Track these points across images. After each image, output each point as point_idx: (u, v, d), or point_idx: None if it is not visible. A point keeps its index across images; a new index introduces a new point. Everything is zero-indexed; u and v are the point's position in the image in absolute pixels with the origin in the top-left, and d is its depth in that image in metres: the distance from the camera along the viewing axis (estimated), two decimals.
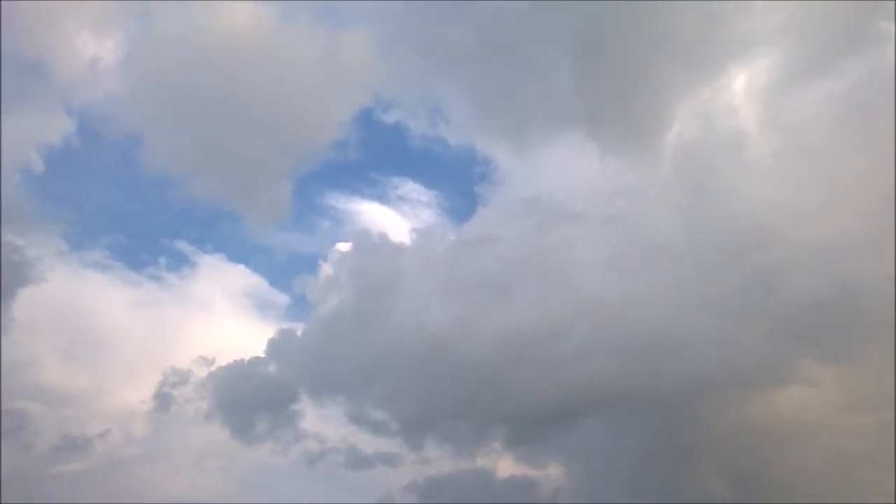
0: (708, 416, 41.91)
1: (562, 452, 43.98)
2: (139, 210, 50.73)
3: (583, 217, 44.97)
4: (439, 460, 43.00)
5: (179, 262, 48.33)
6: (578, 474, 43.68)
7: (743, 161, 43.98)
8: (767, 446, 42.32)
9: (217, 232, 52.53)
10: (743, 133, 44.22)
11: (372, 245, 46.68)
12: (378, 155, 54.62)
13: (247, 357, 42.69)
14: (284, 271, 52.71)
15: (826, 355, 41.77)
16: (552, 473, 44.22)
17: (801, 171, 43.59)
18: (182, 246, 49.23)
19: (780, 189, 43.12)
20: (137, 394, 41.51)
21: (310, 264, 55.06)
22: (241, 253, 53.55)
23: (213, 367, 42.44)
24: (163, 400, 41.18)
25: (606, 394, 41.51)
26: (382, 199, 54.37)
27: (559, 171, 48.28)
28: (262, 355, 42.70)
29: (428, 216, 53.98)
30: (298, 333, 44.62)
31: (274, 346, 43.06)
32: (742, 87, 45.13)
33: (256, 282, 49.84)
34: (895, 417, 37.37)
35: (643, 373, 40.79)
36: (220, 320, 48.22)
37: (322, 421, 42.74)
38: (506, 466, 44.91)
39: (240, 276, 50.11)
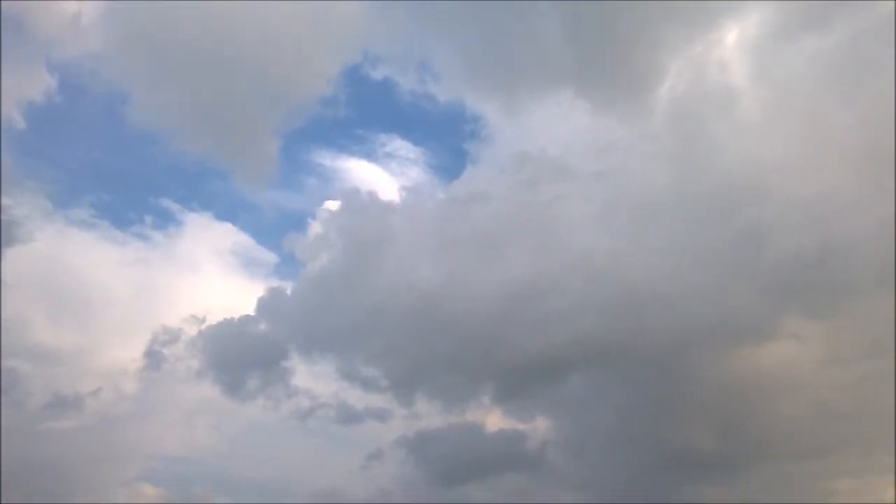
0: (694, 370, 42.57)
1: (550, 406, 44.62)
2: (124, 168, 50.15)
3: (573, 173, 44.85)
4: (429, 415, 43.54)
5: (165, 221, 47.95)
6: (566, 427, 44.45)
7: (733, 116, 43.84)
8: (752, 399, 43.14)
9: (203, 190, 52.04)
10: (734, 88, 43.98)
11: (361, 203, 46.45)
12: (366, 111, 54.03)
13: (236, 315, 42.70)
14: (272, 230, 52.47)
15: (811, 310, 42.35)
16: (540, 427, 44.97)
17: (790, 126, 43.57)
18: (168, 204, 48.79)
19: (769, 145, 43.12)
20: (128, 352, 41.56)
21: (298, 223, 54.85)
22: (228, 211, 53.19)
23: (204, 326, 42.46)
24: (153, 358, 41.24)
25: (595, 349, 41.97)
26: (370, 156, 53.93)
27: (550, 127, 47.94)
28: (252, 314, 42.72)
29: (416, 173, 53.63)
30: (288, 292, 44.62)
31: (263, 305, 43.08)
32: (733, 41, 44.73)
33: (244, 240, 49.62)
34: None
35: (631, 328, 41.25)
36: (209, 279, 48.07)
37: (313, 378, 43.06)
38: (494, 420, 45.58)
39: (227, 235, 49.84)
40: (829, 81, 43.90)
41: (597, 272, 41.81)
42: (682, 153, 43.72)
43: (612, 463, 43.18)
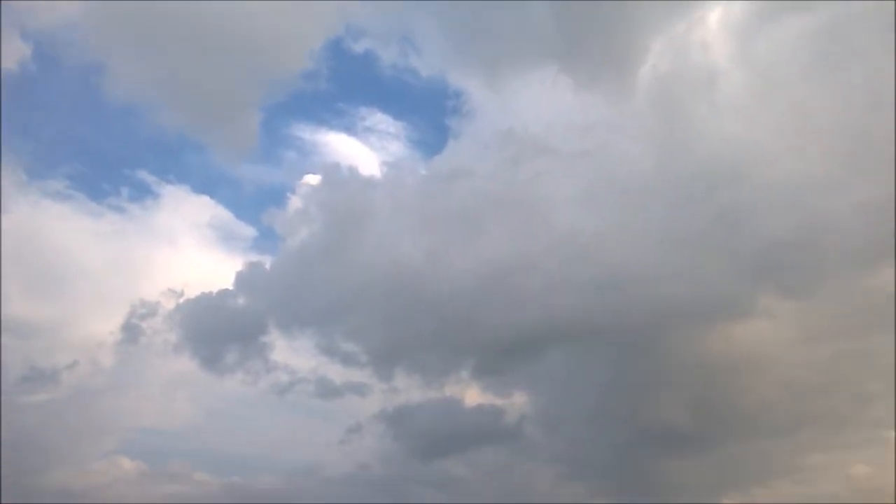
0: (671, 347, 43.22)
1: (528, 382, 45.09)
2: (100, 139, 49.31)
3: (556, 151, 44.80)
4: (408, 390, 43.81)
5: (142, 193, 47.36)
6: (543, 403, 45.01)
7: (714, 98, 43.94)
8: (727, 377, 43.96)
9: (180, 162, 51.38)
10: (715, 69, 44.00)
11: (342, 178, 46.14)
12: (347, 85, 53.46)
13: (215, 290, 42.45)
14: (250, 203, 52.05)
15: (786, 290, 43.05)
16: (518, 402, 45.48)
17: (770, 108, 43.81)
18: (144, 176, 48.15)
19: (749, 127, 43.36)
20: (105, 325, 41.21)
21: (277, 197, 54.47)
22: (206, 184, 52.57)
23: (182, 300, 42.16)
24: (131, 331, 40.96)
25: (573, 326, 42.38)
26: (350, 129, 53.47)
27: (533, 104, 47.77)
28: (231, 288, 42.48)
29: (396, 148, 53.29)
30: (267, 266, 44.39)
31: (242, 279, 42.84)
32: (716, 21, 44.70)
33: (222, 213, 49.15)
34: None
35: (610, 305, 41.66)
36: (186, 252, 47.65)
37: (292, 352, 43.05)
38: (473, 395, 46.00)
39: (205, 208, 49.33)
40: (810, 64, 44.11)
41: (577, 251, 42.07)
42: (663, 134, 43.86)
43: (588, 437, 43.92)
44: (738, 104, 44.18)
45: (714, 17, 44.93)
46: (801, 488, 45.50)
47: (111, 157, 49.12)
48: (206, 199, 49.80)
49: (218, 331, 41.56)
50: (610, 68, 45.46)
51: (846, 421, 44.82)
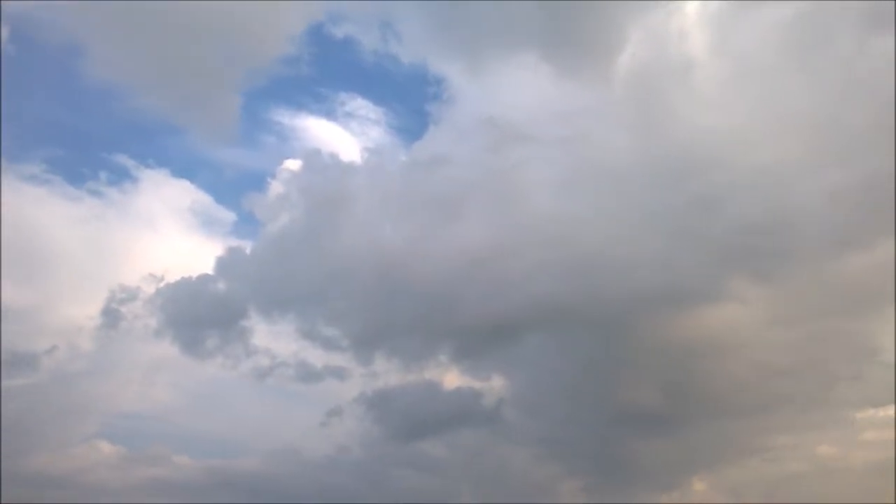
0: (645, 331, 44.14)
1: (506, 365, 45.82)
2: (78, 122, 48.84)
3: (536, 139, 45.21)
4: (388, 373, 44.34)
5: (121, 177, 47.09)
6: (521, 385, 45.85)
7: (691, 86, 44.58)
8: (698, 359, 45.06)
9: (160, 146, 51.11)
10: (692, 58, 44.60)
11: (322, 164, 46.24)
12: (327, 70, 53.37)
13: (195, 274, 42.50)
14: (230, 188, 51.96)
15: (757, 275, 44.12)
16: (495, 385, 46.24)
17: (745, 97, 44.53)
18: (123, 160, 47.86)
19: (724, 115, 44.06)
20: (84, 310, 41.15)
21: (257, 181, 54.38)
22: (186, 168, 52.37)
23: (162, 284, 42.17)
24: (111, 316, 40.95)
25: (551, 310, 43.09)
26: (330, 115, 53.46)
27: (513, 91, 48.05)
28: (211, 272, 42.57)
29: (377, 134, 53.36)
30: (247, 251, 44.52)
31: (223, 264, 42.95)
32: (694, 11, 45.21)
33: (202, 198, 49.03)
34: None
35: (586, 290, 42.42)
36: (166, 237, 47.58)
37: (272, 337, 43.31)
38: (452, 379, 46.66)
39: (184, 192, 49.16)
40: (785, 53, 44.84)
41: (555, 236, 42.68)
42: (641, 121, 44.45)
43: (564, 418, 44.87)
44: (714, 93, 44.88)
45: (692, 6, 45.44)
46: (769, 467, 46.93)
47: (90, 140, 48.72)
48: (185, 183, 49.66)
49: (198, 315, 41.72)
50: (590, 56, 45.91)
51: (813, 402, 46.17)
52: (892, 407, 49.37)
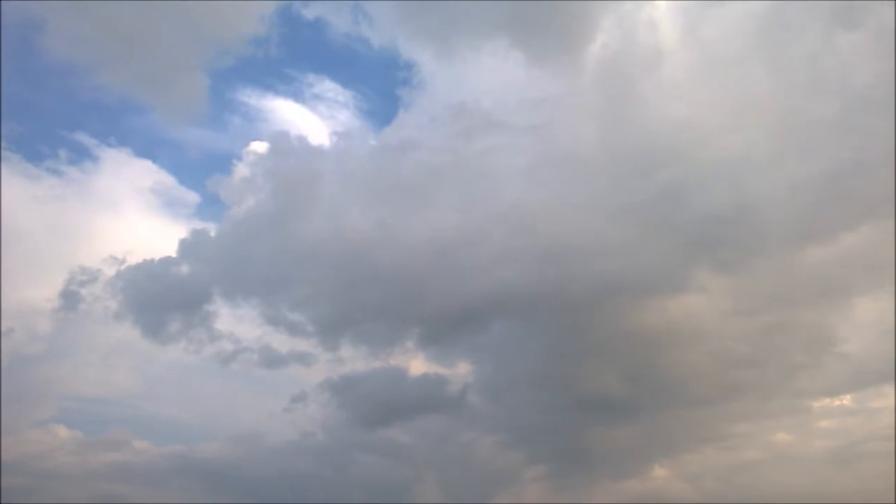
0: (609, 319, 44.59)
1: (472, 352, 45.99)
2: (37, 99, 47.53)
3: (506, 125, 45.13)
4: (354, 359, 44.20)
5: (81, 156, 46.00)
6: (486, 372, 46.09)
7: (660, 76, 44.78)
8: (661, 348, 45.67)
9: (121, 125, 49.99)
10: (662, 48, 44.77)
11: (290, 147, 45.63)
12: (296, 52, 52.60)
13: (157, 257, 41.82)
14: (194, 169, 51.07)
15: (719, 266, 44.73)
16: (462, 372, 46.45)
17: (713, 88, 44.89)
18: (84, 139, 46.73)
19: (691, 106, 44.40)
20: (42, 292, 40.28)
21: (222, 163, 53.54)
22: (148, 148, 51.29)
23: (123, 267, 41.43)
24: (70, 298, 40.16)
25: (517, 298, 43.26)
26: (298, 97, 52.73)
27: (483, 77, 47.82)
28: (174, 255, 41.89)
29: (345, 117, 52.77)
30: (212, 234, 43.87)
31: (186, 246, 42.26)
32: (664, 1, 45.36)
33: (165, 179, 48.09)
34: None
35: (553, 278, 42.65)
36: (128, 218, 46.68)
37: (236, 322, 42.84)
38: (418, 365, 46.71)
39: (147, 173, 48.18)
40: (753, 46, 45.25)
41: (522, 224, 42.76)
42: (610, 110, 44.57)
43: (528, 405, 45.25)
44: (683, 84, 45.16)
45: None
46: (727, 455, 47.99)
47: (49, 117, 47.47)
48: (148, 163, 48.70)
49: (160, 299, 41.08)
50: (560, 44, 45.82)
51: (772, 391, 47.17)
52: (848, 396, 50.75)
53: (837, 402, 50.41)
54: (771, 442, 47.53)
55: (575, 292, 42.17)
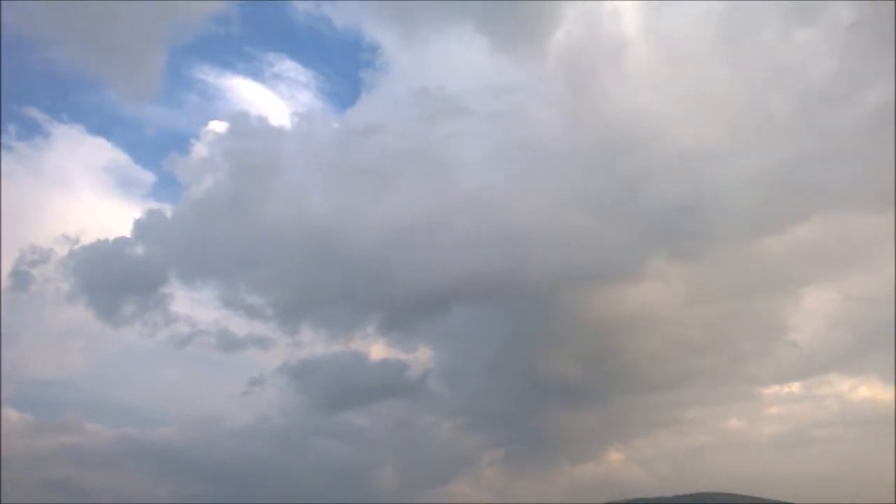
0: (568, 306, 45.16)
1: (432, 337, 46.17)
2: None
3: (470, 111, 45.18)
4: (313, 343, 43.97)
5: (31, 131, 44.80)
6: (446, 357, 46.33)
7: (622, 66, 45.32)
8: (618, 335, 46.48)
9: (75, 100, 48.73)
10: (625, 39, 45.27)
11: (250, 127, 44.98)
12: (257, 30, 51.80)
13: (111, 237, 40.96)
14: (150, 148, 50.12)
15: (677, 254, 45.66)
16: (422, 357, 46.60)
17: (673, 80, 45.63)
18: (34, 113, 45.47)
19: (652, 96, 45.07)
20: None
21: (180, 142, 52.63)
22: (102, 125, 50.07)
23: (76, 247, 40.52)
24: (20, 279, 39.24)
25: (478, 284, 43.47)
26: (257, 75, 52.00)
27: (448, 63, 47.79)
28: (129, 235, 41.08)
29: (306, 98, 52.14)
30: (168, 215, 43.07)
31: (141, 227, 41.46)
32: None
33: (119, 157, 47.03)
34: None
35: (514, 265, 42.95)
36: (81, 197, 45.65)
37: (193, 304, 42.27)
38: (379, 350, 46.70)
39: (100, 150, 47.09)
40: (713, 40, 46.05)
41: (485, 211, 42.96)
42: (573, 99, 44.98)
43: (487, 391, 45.64)
44: (644, 74, 45.76)
45: None
46: (680, 439, 49.27)
47: None
48: (102, 141, 47.58)
49: (114, 280, 40.29)
50: (525, 32, 45.96)
51: (724, 378, 48.43)
52: (796, 384, 52.41)
53: (786, 390, 52.10)
54: (722, 427, 48.92)
55: (535, 279, 42.59)
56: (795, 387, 59.04)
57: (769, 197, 46.42)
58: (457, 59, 47.83)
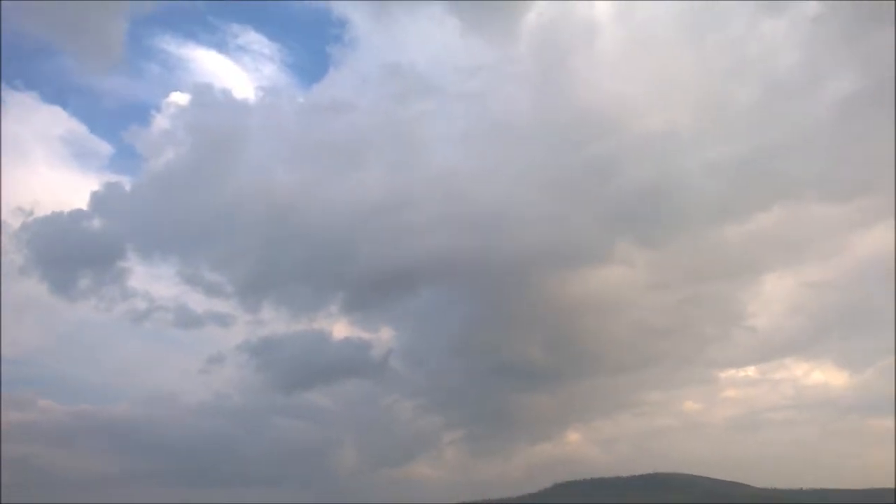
0: (534, 288, 45.45)
1: (396, 317, 46.16)
2: None
3: (441, 91, 44.87)
4: (274, 322, 43.53)
5: None
6: (410, 337, 46.37)
7: (594, 51, 45.33)
8: (582, 318, 47.02)
9: (30, 67, 46.95)
10: (597, 23, 45.27)
11: (213, 100, 43.84)
12: (224, 1, 50.42)
13: (67, 209, 39.63)
14: (108, 118, 48.63)
15: (642, 239, 46.25)
16: (385, 337, 46.58)
17: (643, 66, 45.87)
18: None
19: (621, 82, 45.31)
20: None
21: (140, 114, 51.12)
22: (59, 94, 48.31)
23: (30, 219, 39.20)
24: None
25: (444, 265, 43.45)
26: (220, 47, 50.69)
27: (418, 42, 47.35)
28: (85, 208, 39.81)
29: (271, 71, 51.02)
30: (127, 187, 41.86)
31: (99, 200, 40.17)
32: None
33: (76, 127, 45.46)
34: None
35: (480, 246, 42.98)
36: (35, 167, 44.14)
37: (152, 280, 41.37)
38: (341, 329, 46.50)
39: (57, 120, 45.47)
40: (683, 28, 46.36)
41: (452, 191, 42.77)
42: (543, 81, 44.90)
43: (450, 371, 45.84)
44: (615, 59, 45.86)
45: None
46: (639, 421, 50.29)
47: None
48: (58, 110, 45.93)
49: (70, 253, 39.03)
50: (497, 12, 45.61)
51: (683, 362, 49.49)
52: (752, 368, 53.73)
53: (742, 374, 53.52)
54: (680, 410, 50.04)
55: (501, 261, 42.66)
56: (752, 371, 60.63)
57: (733, 185, 47.24)
58: (427, 38, 47.41)
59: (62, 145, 45.28)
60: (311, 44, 52.15)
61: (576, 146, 44.95)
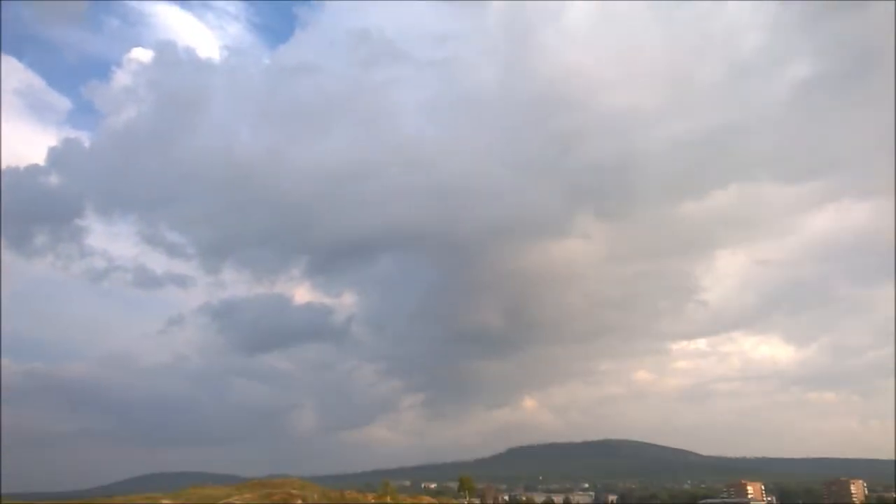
0: (494, 259, 46.62)
1: (358, 283, 46.83)
2: None
3: (409, 58, 44.75)
4: (236, 284, 43.55)
5: None
6: (371, 304, 47.22)
7: (561, 24, 45.67)
8: (540, 289, 48.55)
9: None
10: None
11: (177, 58, 43.14)
12: None
13: (23, 164, 38.76)
14: (67, 72, 47.27)
15: (602, 213, 47.79)
16: (346, 302, 47.33)
17: (609, 42, 46.42)
18: None
19: (588, 56, 46.00)
20: None
21: (100, 69, 49.75)
22: (14, 44, 46.82)
23: None
24: None
25: (407, 233, 44.18)
26: (184, 3, 49.46)
27: (388, 7, 46.86)
28: (42, 164, 38.98)
29: (235, 30, 49.95)
30: (86, 144, 41.18)
31: (56, 155, 39.77)
32: None
33: (33, 80, 44.25)
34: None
35: (442, 215, 43.75)
36: None
37: (110, 239, 40.97)
38: (303, 294, 46.89)
39: (12, 71, 44.31)
40: (647, 5, 46.90)
41: (417, 160, 43.32)
42: (510, 54, 45.26)
43: (410, 337, 46.89)
44: (581, 34, 46.37)
45: None
46: (591, 389, 52.30)
47: None
48: (13, 61, 44.90)
49: (26, 209, 38.65)
50: None
51: (636, 333, 51.50)
52: (703, 340, 56.00)
53: (693, 346, 55.99)
54: (631, 379, 52.13)
55: (463, 231, 43.55)
56: (702, 343, 63.62)
57: (693, 162, 48.60)
58: (396, 3, 46.99)
59: (18, 98, 44.13)
60: (278, 4, 51.22)
61: (540, 119, 45.90)
